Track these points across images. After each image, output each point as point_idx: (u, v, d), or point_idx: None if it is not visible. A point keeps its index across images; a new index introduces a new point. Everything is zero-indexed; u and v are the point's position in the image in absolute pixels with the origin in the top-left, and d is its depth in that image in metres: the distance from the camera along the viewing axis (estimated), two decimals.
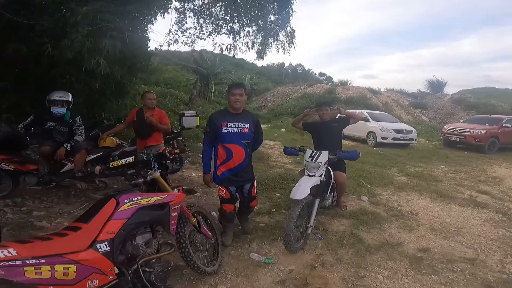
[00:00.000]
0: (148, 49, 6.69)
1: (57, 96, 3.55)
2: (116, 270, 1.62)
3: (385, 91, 23.38)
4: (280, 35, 6.59)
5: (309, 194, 2.81)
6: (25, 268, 1.30)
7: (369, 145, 11.19)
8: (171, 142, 5.42)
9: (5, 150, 3.38)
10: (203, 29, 6.95)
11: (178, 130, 5.54)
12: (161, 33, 19.01)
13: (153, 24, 6.51)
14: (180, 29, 6.86)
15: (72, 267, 1.43)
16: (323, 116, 3.55)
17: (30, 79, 4.78)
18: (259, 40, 6.84)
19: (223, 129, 2.61)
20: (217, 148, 2.69)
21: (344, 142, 12.38)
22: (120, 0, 4.03)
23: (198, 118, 5.69)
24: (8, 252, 1.31)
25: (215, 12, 6.93)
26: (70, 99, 3.62)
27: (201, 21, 6.93)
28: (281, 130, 14.23)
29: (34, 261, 1.34)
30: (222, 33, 7.01)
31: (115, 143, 4.03)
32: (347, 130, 13.14)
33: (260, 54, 6.85)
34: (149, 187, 2.16)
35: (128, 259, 1.79)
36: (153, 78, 18.33)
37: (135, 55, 5.43)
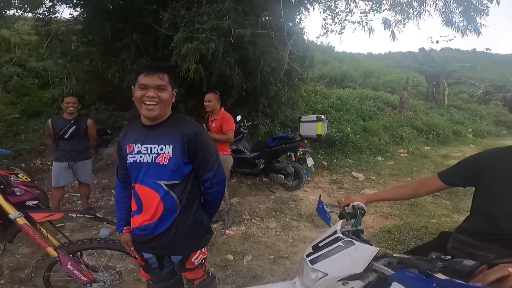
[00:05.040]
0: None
1: None
2: None
3: None
4: None
5: None
6: None
7: None
8: (288, 154, 4.37)
9: None
10: (354, 9, 5.41)
11: (297, 139, 4.45)
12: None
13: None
14: (330, 15, 5.54)
15: None
16: None
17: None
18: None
19: (128, 157, 1.38)
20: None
21: None
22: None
23: (319, 124, 4.25)
24: None
25: None
26: None
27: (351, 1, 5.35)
28: None
29: None
30: (384, 10, 5.16)
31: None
32: None
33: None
34: None
35: None
36: (370, 82, 16.90)
37: (266, 54, 4.84)
